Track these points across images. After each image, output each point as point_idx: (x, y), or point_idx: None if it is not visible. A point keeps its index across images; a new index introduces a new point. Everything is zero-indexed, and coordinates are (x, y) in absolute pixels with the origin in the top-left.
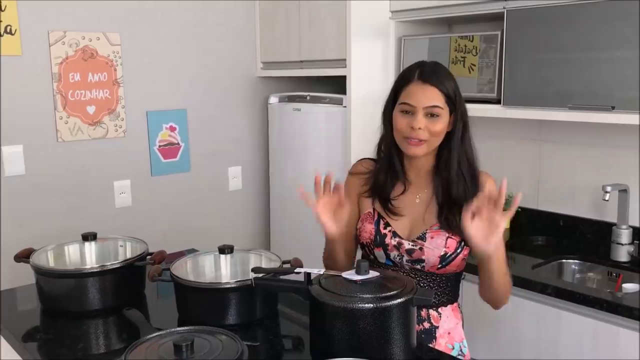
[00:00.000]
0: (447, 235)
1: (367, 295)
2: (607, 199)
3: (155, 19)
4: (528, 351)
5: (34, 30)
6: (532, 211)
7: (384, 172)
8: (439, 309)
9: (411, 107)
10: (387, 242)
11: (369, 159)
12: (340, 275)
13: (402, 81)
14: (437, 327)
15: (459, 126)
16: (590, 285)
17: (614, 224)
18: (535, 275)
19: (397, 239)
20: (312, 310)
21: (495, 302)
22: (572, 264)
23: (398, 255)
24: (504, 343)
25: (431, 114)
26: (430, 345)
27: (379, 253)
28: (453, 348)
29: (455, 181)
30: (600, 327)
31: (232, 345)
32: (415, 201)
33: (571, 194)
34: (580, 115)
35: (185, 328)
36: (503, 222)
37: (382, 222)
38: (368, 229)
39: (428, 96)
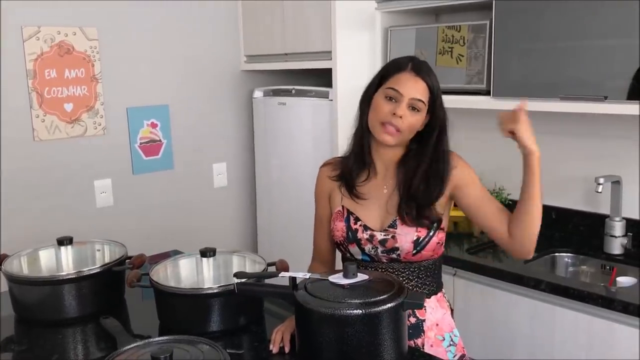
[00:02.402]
0: None
1: (356, 301)
2: (600, 190)
3: (134, 11)
4: (522, 348)
5: (6, 25)
6: None
7: (352, 157)
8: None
9: (398, 94)
10: (359, 237)
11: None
12: (327, 280)
13: (393, 68)
14: (424, 321)
15: (435, 129)
16: (583, 279)
17: (607, 216)
18: (528, 270)
19: (368, 232)
20: (298, 317)
21: (529, 237)
22: (565, 258)
23: (372, 248)
24: (497, 340)
25: (413, 107)
26: (419, 340)
27: (354, 249)
28: (443, 339)
29: (419, 180)
30: (596, 323)
31: (214, 356)
32: (383, 191)
33: (563, 185)
34: (572, 105)
35: (164, 338)
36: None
37: (352, 218)
38: (340, 227)
39: (417, 88)
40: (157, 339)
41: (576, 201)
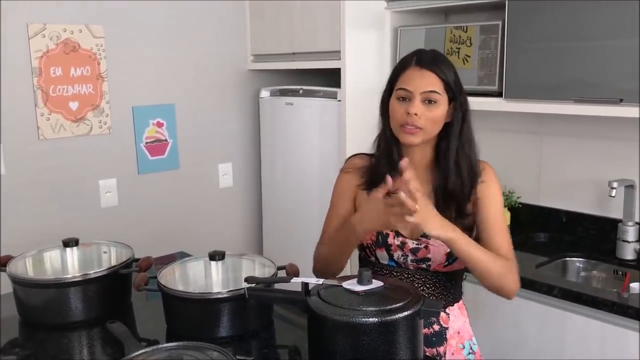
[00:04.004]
0: None
1: (371, 308)
2: (613, 195)
3: (140, 9)
4: (532, 354)
5: (11, 22)
6: (533, 207)
7: (383, 165)
8: (447, 309)
9: (408, 92)
10: (389, 242)
11: (362, 154)
12: (341, 286)
13: (399, 67)
14: (447, 328)
15: (458, 118)
16: (595, 284)
17: (619, 220)
18: (540, 275)
19: (400, 238)
20: (310, 324)
21: (501, 290)
22: (576, 262)
23: (402, 255)
24: (507, 346)
25: (429, 100)
26: (442, 348)
27: (381, 254)
28: (464, 347)
29: (453, 174)
30: (608, 330)
31: None
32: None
33: (573, 188)
34: (586, 108)
35: (173, 344)
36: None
37: None
38: None
39: (426, 81)
40: (165, 345)
41: (587, 204)
